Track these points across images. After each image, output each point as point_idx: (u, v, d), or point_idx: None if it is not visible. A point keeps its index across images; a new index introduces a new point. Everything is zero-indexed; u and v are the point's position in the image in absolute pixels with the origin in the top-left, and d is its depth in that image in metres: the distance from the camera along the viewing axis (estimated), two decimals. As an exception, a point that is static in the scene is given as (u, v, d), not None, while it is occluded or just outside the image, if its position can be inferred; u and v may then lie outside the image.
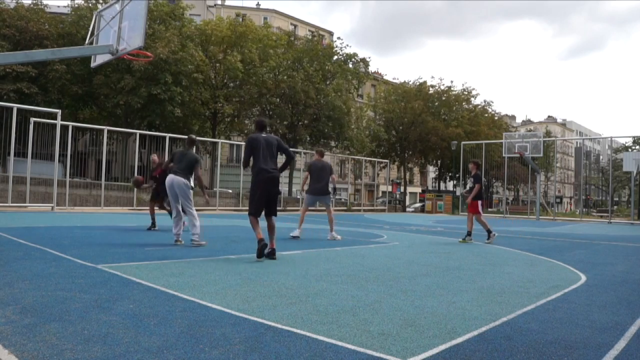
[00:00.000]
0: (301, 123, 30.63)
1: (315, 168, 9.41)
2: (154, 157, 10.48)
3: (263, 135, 6.21)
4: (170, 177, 7.27)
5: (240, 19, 30.74)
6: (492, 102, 43.93)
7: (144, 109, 25.22)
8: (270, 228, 6.16)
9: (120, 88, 24.22)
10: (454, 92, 40.00)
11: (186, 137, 8.31)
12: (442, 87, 39.95)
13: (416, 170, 52.93)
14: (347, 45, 64.56)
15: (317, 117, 30.22)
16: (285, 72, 29.74)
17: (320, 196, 9.38)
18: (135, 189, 10.90)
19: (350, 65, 34.75)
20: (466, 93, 40.39)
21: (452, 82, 45.75)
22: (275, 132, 31.75)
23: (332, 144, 32.43)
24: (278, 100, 29.91)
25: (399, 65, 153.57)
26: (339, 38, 46.03)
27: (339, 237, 9.28)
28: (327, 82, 30.47)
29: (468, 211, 9.88)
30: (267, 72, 29.10)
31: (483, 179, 11.41)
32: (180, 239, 7.35)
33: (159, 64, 23.38)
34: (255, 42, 28.94)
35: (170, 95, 24.42)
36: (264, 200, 6.06)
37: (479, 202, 9.76)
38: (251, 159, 6.10)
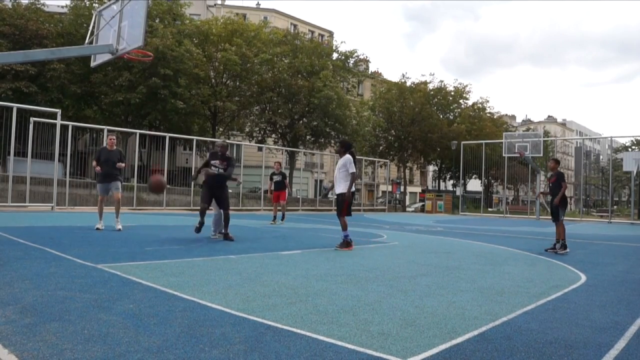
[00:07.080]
0: (301, 122, 30.50)
1: None
2: None
3: None
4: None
5: (232, 16, 30.60)
6: (489, 100, 43.79)
7: (143, 106, 25.11)
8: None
9: (119, 85, 24.13)
10: (448, 90, 39.94)
11: (187, 136, 8.37)
12: (436, 84, 39.86)
13: (416, 169, 52.81)
14: (342, 42, 64.39)
15: (310, 110, 29.79)
16: (282, 66, 29.46)
17: None
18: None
19: (350, 64, 34.64)
20: (460, 89, 40.33)
21: (442, 81, 45.62)
22: (275, 130, 31.72)
23: (333, 142, 32.24)
24: (277, 99, 29.78)
25: (396, 64, 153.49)
26: (329, 35, 45.64)
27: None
28: (319, 75, 30.02)
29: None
30: (262, 64, 28.82)
31: (483, 178, 11.27)
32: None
33: (157, 57, 23.16)
34: (246, 35, 28.74)
35: (172, 91, 24.32)
36: None
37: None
38: None
